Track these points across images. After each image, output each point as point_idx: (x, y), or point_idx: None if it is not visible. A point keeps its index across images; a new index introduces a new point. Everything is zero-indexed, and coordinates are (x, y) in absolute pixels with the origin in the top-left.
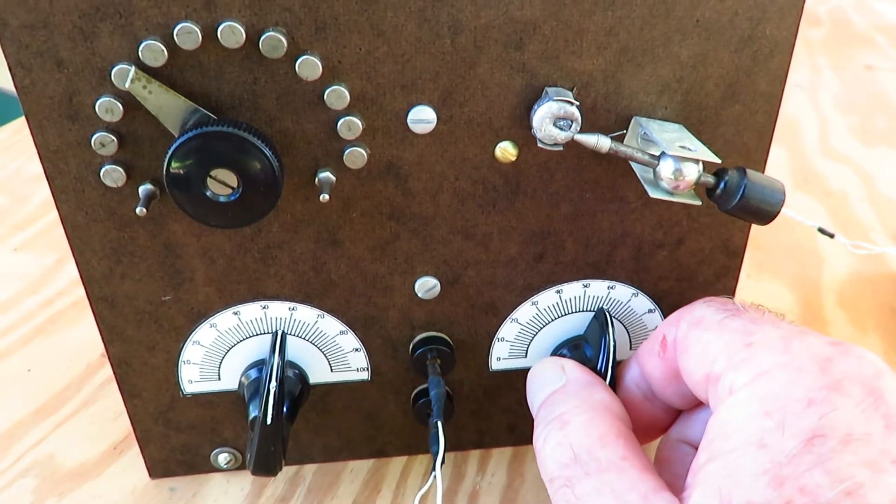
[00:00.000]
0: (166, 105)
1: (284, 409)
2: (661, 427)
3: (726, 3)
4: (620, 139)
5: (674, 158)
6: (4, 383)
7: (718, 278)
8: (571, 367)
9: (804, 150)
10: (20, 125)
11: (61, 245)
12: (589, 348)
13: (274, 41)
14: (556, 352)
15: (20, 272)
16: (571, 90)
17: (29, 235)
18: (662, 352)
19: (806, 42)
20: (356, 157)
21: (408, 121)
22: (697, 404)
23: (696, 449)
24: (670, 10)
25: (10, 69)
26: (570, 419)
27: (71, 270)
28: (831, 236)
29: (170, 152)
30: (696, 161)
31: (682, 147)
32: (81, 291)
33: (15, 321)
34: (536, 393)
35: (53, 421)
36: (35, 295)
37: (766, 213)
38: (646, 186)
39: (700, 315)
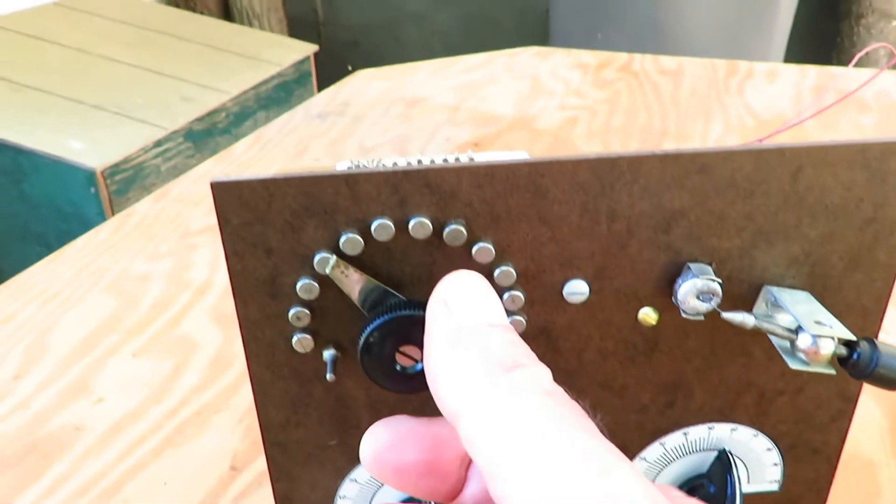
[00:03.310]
0: (357, 285)
1: None
2: None
3: (853, 192)
4: (750, 304)
5: (811, 335)
6: (146, 498)
7: (833, 420)
8: None
9: None
10: (119, 223)
11: (177, 351)
12: (712, 485)
13: (456, 233)
14: (681, 489)
15: (143, 380)
16: (710, 265)
17: (144, 340)
18: None
19: (858, 128)
20: (517, 325)
21: (563, 293)
22: None
23: None
24: (803, 199)
25: (226, 257)
26: None
27: (189, 378)
28: None
29: (368, 330)
30: (832, 337)
31: (818, 323)
32: (202, 400)
33: (145, 431)
34: None
35: None
36: (159, 404)
37: None
38: (784, 356)
39: None
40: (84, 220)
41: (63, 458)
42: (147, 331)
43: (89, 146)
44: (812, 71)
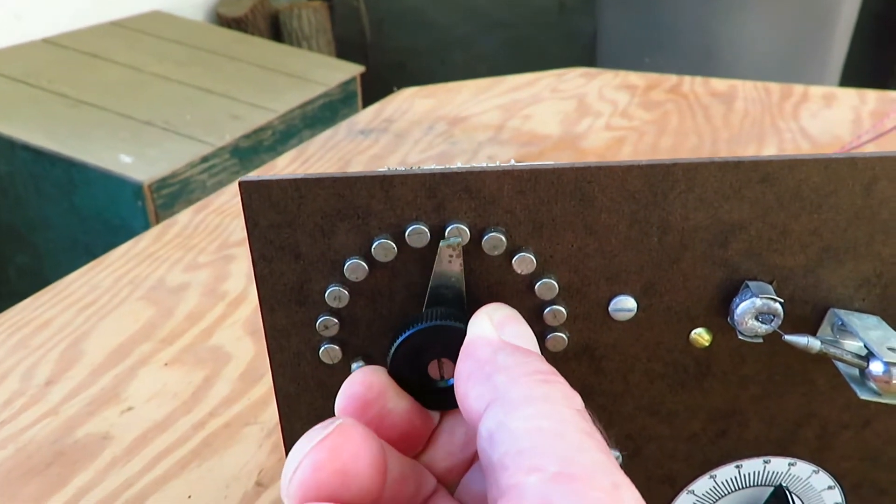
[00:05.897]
0: (448, 275)
1: None
2: None
3: None
4: (813, 327)
5: (883, 362)
6: None
7: None
8: None
9: None
10: (160, 232)
11: (208, 363)
12: None
13: (495, 241)
14: None
15: (172, 390)
16: (771, 283)
17: (176, 350)
18: None
19: None
20: (557, 341)
21: (609, 309)
22: None
23: None
24: (875, 214)
25: (252, 261)
26: None
27: (219, 390)
28: None
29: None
30: None
31: (891, 350)
32: (231, 413)
33: (172, 443)
34: None
35: None
36: (188, 415)
37: None
38: (853, 386)
39: None
40: (130, 232)
41: (89, 468)
42: (180, 341)
43: (138, 160)
44: (871, 95)
